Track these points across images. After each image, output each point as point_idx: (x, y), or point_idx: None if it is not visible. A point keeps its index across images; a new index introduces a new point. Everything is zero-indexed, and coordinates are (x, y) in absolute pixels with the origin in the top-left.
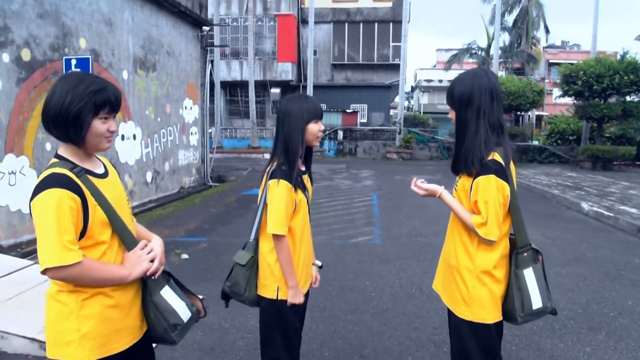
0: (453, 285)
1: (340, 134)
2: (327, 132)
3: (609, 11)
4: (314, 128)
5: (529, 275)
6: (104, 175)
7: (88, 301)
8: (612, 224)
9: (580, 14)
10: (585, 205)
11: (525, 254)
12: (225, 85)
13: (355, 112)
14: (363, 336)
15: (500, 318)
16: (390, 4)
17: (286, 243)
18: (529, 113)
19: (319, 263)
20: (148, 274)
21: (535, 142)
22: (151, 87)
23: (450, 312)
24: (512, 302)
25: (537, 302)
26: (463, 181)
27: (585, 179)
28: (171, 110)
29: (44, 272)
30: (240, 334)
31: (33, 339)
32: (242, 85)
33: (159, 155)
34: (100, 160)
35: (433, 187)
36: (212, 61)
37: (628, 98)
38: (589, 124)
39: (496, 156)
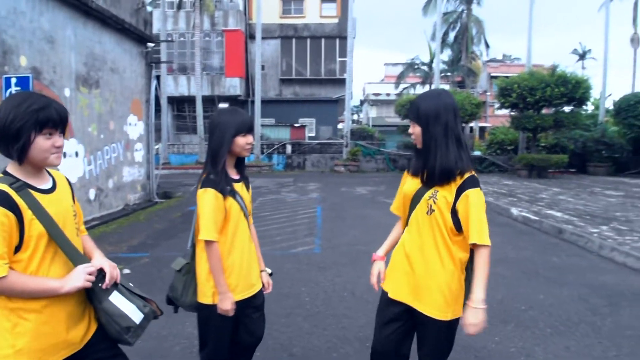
0: (435, 290)
1: (289, 148)
2: (276, 146)
3: (547, 24)
4: (241, 141)
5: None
6: (50, 190)
7: (21, 320)
8: (537, 227)
9: (521, 29)
10: (514, 211)
11: None
12: (172, 100)
13: (303, 126)
14: (294, 337)
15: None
16: (336, 20)
17: (216, 249)
18: (472, 124)
19: (269, 270)
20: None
21: (477, 153)
22: (94, 104)
23: (425, 322)
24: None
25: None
26: (444, 193)
27: (520, 187)
28: (115, 126)
29: None
30: (177, 340)
31: None
32: (190, 100)
33: (102, 172)
34: (51, 176)
35: (474, 317)
36: (158, 77)
37: (567, 109)
38: (525, 134)
39: (473, 171)
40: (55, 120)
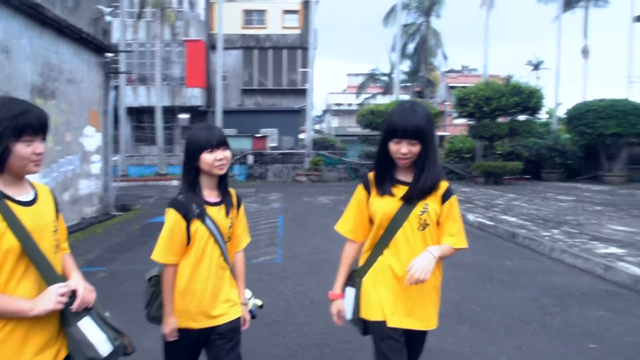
0: (429, 304)
1: (251, 159)
2: (237, 156)
3: (503, 36)
4: (208, 158)
5: None
6: (30, 203)
7: None
8: (492, 232)
9: (479, 40)
10: (471, 217)
11: None
12: (131, 111)
13: (265, 137)
14: (253, 345)
15: None
16: (298, 31)
17: (169, 272)
18: None
19: (259, 302)
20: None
21: None
22: (50, 115)
23: (418, 336)
24: None
25: None
26: (433, 205)
27: (477, 193)
28: (71, 138)
29: None
30: (138, 354)
31: None
32: (149, 111)
33: (57, 185)
34: (33, 187)
35: (426, 262)
36: (117, 87)
37: (521, 117)
38: (482, 142)
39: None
40: (34, 126)
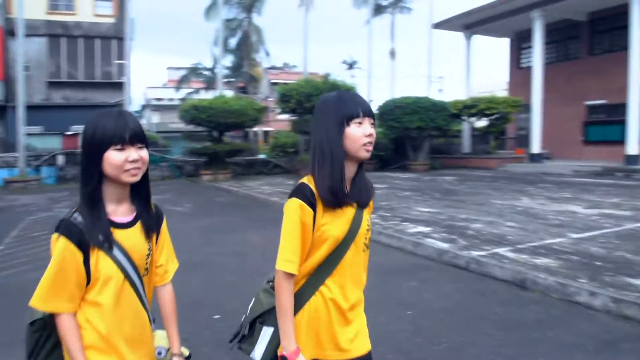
0: (364, 323)
1: (61, 159)
2: (45, 157)
3: (323, 36)
4: (116, 158)
5: None
6: None
7: None
8: None
9: (299, 39)
10: None
11: None
12: None
13: (77, 134)
14: None
15: None
16: (113, 20)
17: (65, 325)
18: (255, 129)
19: (186, 352)
20: None
21: (263, 156)
22: None
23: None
24: None
25: None
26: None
27: None
28: None
29: None
30: None
31: None
32: None
33: None
34: None
35: None
36: None
37: None
38: (304, 137)
39: None
40: None
